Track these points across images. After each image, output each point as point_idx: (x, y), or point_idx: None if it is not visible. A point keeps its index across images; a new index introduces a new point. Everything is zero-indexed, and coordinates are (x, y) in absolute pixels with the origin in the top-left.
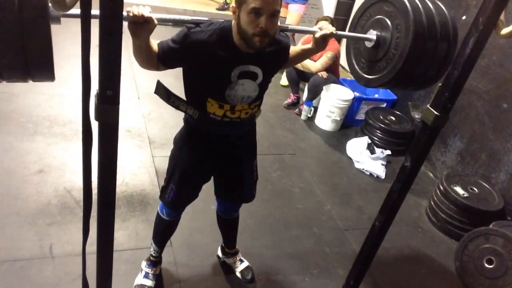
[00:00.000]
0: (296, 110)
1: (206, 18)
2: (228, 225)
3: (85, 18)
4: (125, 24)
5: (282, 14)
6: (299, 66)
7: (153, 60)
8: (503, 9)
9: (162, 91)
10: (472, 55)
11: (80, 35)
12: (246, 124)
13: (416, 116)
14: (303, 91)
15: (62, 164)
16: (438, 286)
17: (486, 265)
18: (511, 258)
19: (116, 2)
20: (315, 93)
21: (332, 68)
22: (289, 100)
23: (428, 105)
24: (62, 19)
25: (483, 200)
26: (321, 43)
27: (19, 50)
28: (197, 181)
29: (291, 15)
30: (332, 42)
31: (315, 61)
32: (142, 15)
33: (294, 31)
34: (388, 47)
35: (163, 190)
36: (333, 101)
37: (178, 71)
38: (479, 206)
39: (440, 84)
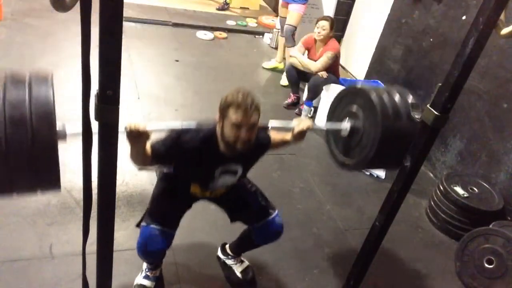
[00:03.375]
0: (296, 110)
1: (194, 123)
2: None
3: (85, 18)
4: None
5: (282, 14)
6: (299, 66)
7: (147, 161)
8: (503, 9)
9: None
10: (472, 55)
11: (80, 35)
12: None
13: (416, 116)
14: (303, 91)
15: (62, 164)
16: (438, 286)
17: (486, 265)
18: (511, 258)
19: (116, 2)
20: (315, 93)
21: (332, 68)
22: (289, 100)
23: (428, 105)
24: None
25: (483, 200)
26: (299, 137)
27: (30, 173)
28: (175, 207)
29: (291, 15)
30: (332, 42)
31: (315, 61)
32: (138, 130)
33: (274, 127)
34: (361, 136)
35: (142, 217)
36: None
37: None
38: (479, 206)
39: (440, 84)
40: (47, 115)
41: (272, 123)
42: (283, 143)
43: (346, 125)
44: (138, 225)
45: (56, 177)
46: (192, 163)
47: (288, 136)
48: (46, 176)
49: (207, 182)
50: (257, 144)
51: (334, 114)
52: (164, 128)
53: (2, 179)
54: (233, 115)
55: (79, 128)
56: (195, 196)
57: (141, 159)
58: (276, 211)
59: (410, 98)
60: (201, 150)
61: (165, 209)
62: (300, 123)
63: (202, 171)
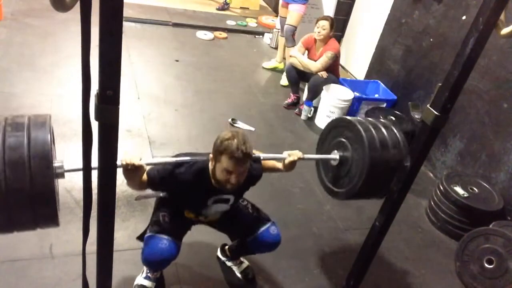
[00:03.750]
0: (296, 110)
1: (188, 158)
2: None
3: (85, 18)
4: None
5: (282, 14)
6: (299, 66)
7: (144, 187)
8: (503, 9)
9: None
10: (472, 55)
11: (80, 35)
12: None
13: (416, 116)
14: (303, 91)
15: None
16: (438, 286)
17: (486, 265)
18: (511, 258)
19: (116, 2)
20: (315, 93)
21: (332, 68)
22: (289, 100)
23: (428, 105)
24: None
25: (483, 200)
26: (289, 167)
27: (29, 211)
28: (181, 221)
29: (291, 15)
30: (332, 42)
31: (315, 60)
32: (133, 164)
33: (266, 159)
34: (350, 167)
35: (150, 226)
36: (333, 101)
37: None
38: (479, 206)
39: (440, 84)
40: (44, 157)
41: (263, 155)
42: (274, 169)
43: (335, 156)
44: (140, 237)
45: (54, 214)
46: (185, 192)
47: (279, 165)
48: (44, 213)
49: (200, 210)
50: (249, 176)
51: (324, 144)
52: (160, 162)
53: (2, 217)
54: (225, 162)
55: (77, 164)
56: (191, 220)
57: (137, 187)
58: (271, 222)
59: (396, 130)
60: (194, 182)
61: (169, 223)
62: (291, 155)
63: (194, 200)
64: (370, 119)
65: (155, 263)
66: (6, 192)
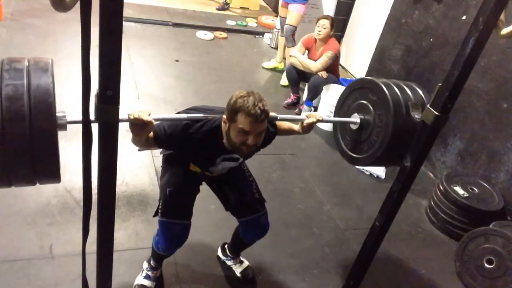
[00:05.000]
0: (296, 110)
1: (200, 115)
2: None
3: (85, 18)
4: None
5: (282, 14)
6: (299, 65)
7: (150, 145)
8: (503, 9)
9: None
10: (472, 55)
11: (80, 35)
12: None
13: (416, 116)
14: (303, 91)
15: (62, 164)
16: (438, 286)
17: (486, 265)
18: (511, 258)
19: (116, 2)
20: (315, 93)
21: (332, 68)
22: (289, 100)
23: (428, 105)
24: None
25: (483, 200)
26: (307, 129)
27: (29, 164)
28: (189, 186)
29: (291, 15)
30: (332, 42)
31: (315, 60)
32: (142, 119)
33: (283, 120)
34: (371, 132)
35: (161, 208)
36: (333, 101)
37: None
38: (479, 206)
39: (440, 84)
40: (46, 104)
41: (280, 116)
42: (290, 131)
43: (356, 119)
44: (155, 215)
45: (56, 168)
46: (193, 151)
47: (296, 127)
48: (46, 167)
49: (207, 166)
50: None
51: (343, 107)
52: (170, 118)
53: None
54: (242, 122)
55: (80, 116)
56: (197, 178)
57: (143, 144)
58: (265, 210)
59: (422, 92)
60: (204, 142)
61: (178, 198)
62: (309, 116)
63: (203, 157)
64: (395, 80)
65: (169, 250)
66: (4, 140)
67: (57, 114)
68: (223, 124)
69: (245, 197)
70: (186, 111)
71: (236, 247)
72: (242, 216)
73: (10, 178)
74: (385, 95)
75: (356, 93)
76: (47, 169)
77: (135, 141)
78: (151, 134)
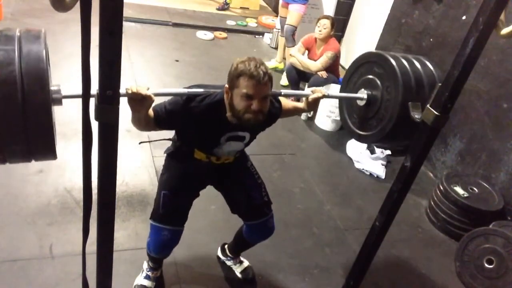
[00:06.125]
0: None
1: (201, 90)
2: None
3: (85, 18)
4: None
5: (282, 14)
6: (299, 65)
7: (151, 126)
8: (503, 9)
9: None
10: (472, 55)
11: (80, 35)
12: (232, 161)
13: (416, 116)
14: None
15: (62, 164)
16: (438, 286)
17: (486, 265)
18: (511, 258)
19: (116, 2)
20: None
21: (332, 68)
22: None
23: (428, 105)
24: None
25: (483, 200)
26: (313, 105)
27: (23, 139)
28: (187, 192)
29: (291, 15)
30: (333, 42)
31: (315, 60)
32: (140, 94)
33: (287, 95)
34: (379, 107)
35: (153, 210)
36: (333, 101)
37: (179, 70)
38: (479, 206)
39: (440, 84)
40: (38, 69)
41: (284, 91)
42: (295, 110)
43: (363, 94)
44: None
45: (51, 143)
46: (196, 129)
47: (300, 105)
48: (40, 142)
49: (211, 148)
50: (268, 113)
51: (349, 83)
52: (169, 92)
53: None
54: (244, 86)
55: (76, 90)
56: (200, 164)
57: (143, 124)
58: (272, 212)
59: (431, 66)
60: (207, 117)
61: (171, 202)
62: (314, 91)
63: (206, 137)
64: (402, 53)
65: (157, 254)
66: None
67: (52, 88)
68: (225, 96)
69: (255, 201)
70: (188, 88)
71: (239, 247)
72: (250, 220)
73: (3, 151)
74: (392, 66)
75: (361, 69)
76: (41, 142)
77: (135, 120)
78: (152, 113)
